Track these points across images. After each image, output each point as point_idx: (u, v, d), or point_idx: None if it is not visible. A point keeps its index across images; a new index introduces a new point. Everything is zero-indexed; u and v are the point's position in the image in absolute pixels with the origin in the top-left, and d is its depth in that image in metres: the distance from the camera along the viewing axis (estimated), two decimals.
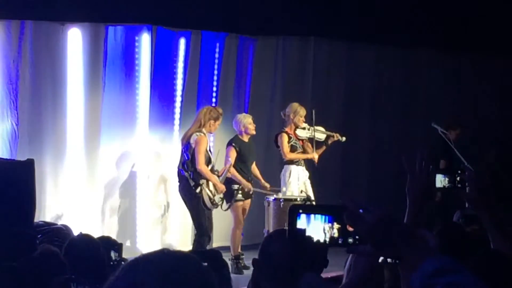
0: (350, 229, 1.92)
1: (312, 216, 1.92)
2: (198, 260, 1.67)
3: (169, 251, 1.68)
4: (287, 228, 1.98)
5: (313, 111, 9.99)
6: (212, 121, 9.26)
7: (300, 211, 1.93)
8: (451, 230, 4.79)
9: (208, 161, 9.24)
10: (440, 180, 2.96)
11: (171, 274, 1.59)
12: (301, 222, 1.93)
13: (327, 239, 1.92)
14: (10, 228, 6.10)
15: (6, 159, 8.48)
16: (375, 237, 1.86)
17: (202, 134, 9.14)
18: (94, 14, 10.07)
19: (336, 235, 1.92)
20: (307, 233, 1.92)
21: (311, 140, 10.09)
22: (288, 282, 3.69)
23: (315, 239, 1.92)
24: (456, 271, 1.75)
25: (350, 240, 1.93)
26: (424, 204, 2.84)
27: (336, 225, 1.92)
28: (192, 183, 9.13)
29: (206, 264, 1.73)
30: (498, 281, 2.62)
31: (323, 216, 1.92)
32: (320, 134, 10.14)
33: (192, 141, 9.12)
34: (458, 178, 2.95)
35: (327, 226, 1.92)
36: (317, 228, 1.92)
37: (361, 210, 1.86)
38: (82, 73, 10.13)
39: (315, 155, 10.00)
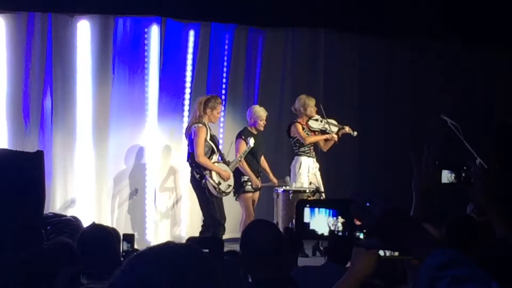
0: (358, 222, 1.92)
1: (316, 209, 1.93)
2: (203, 252, 1.67)
3: (174, 243, 1.68)
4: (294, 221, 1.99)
5: (321, 106, 10.00)
6: (209, 111, 9.19)
7: (307, 205, 1.94)
8: (463, 222, 4.80)
9: (212, 151, 9.21)
10: (447, 176, 2.98)
11: (177, 267, 1.59)
12: (305, 215, 1.93)
13: (331, 233, 1.92)
14: (18, 219, 6.12)
15: (16, 151, 8.50)
16: (382, 230, 1.86)
17: (200, 125, 9.11)
18: (103, 6, 10.08)
19: (340, 228, 1.93)
20: (311, 227, 1.93)
21: (323, 132, 10.09)
22: (273, 269, 3.72)
23: (319, 233, 1.93)
24: (463, 264, 1.75)
25: (357, 233, 1.93)
26: (430, 199, 2.85)
27: (340, 219, 1.92)
28: (197, 176, 9.15)
29: (207, 250, 1.73)
30: (504, 269, 2.63)
31: (328, 210, 1.93)
32: (333, 126, 10.13)
33: (192, 133, 9.13)
34: (463, 174, 2.97)
35: (331, 219, 1.93)
36: (321, 222, 1.93)
37: (367, 204, 1.86)
38: (91, 65, 10.15)
39: (334, 135, 9.99)
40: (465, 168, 2.98)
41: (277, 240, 3.78)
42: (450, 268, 1.74)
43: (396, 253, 2.41)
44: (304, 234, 1.95)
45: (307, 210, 1.93)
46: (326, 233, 1.93)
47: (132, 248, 5.59)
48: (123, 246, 5.55)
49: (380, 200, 1.86)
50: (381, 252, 2.50)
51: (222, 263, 4.86)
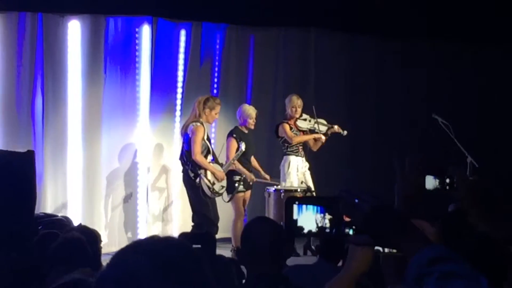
0: (347, 219, 1.92)
1: (303, 206, 1.93)
2: (189, 245, 1.68)
3: (160, 237, 1.69)
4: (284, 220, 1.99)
5: (313, 107, 10.01)
6: (207, 110, 9.22)
7: (296, 202, 1.95)
8: (454, 219, 4.81)
9: (207, 151, 9.23)
10: (431, 182, 2.97)
11: (163, 259, 1.60)
12: (294, 212, 1.94)
13: (319, 230, 1.93)
14: (9, 219, 6.10)
15: (6, 150, 8.47)
16: (371, 226, 1.86)
17: (198, 124, 9.13)
18: (94, 6, 10.07)
19: (328, 225, 1.93)
20: (299, 224, 1.94)
21: (312, 131, 10.10)
22: (269, 265, 3.75)
23: (306, 230, 1.94)
24: (451, 260, 1.76)
25: (346, 230, 1.93)
26: (413, 206, 2.85)
27: (327, 216, 1.93)
28: (191, 174, 9.15)
29: (199, 246, 1.73)
30: (484, 263, 2.65)
31: (315, 207, 1.94)
32: (322, 126, 10.15)
33: (189, 131, 9.13)
34: (447, 180, 2.97)
35: (319, 216, 1.93)
36: (309, 219, 1.94)
37: (356, 200, 1.87)
38: (82, 65, 10.13)
39: (322, 135, 10.01)
40: (448, 172, 2.98)
41: (275, 237, 3.81)
42: (439, 264, 1.74)
43: (395, 250, 2.41)
44: (292, 230, 1.95)
45: (295, 207, 1.94)
46: (313, 230, 1.93)
47: None
48: None
49: (369, 196, 1.87)
50: (380, 249, 2.51)
51: (213, 259, 4.88)
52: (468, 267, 1.75)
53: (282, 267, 4.01)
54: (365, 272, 2.62)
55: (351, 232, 1.95)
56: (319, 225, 1.93)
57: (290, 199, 1.96)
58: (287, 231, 1.97)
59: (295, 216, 1.94)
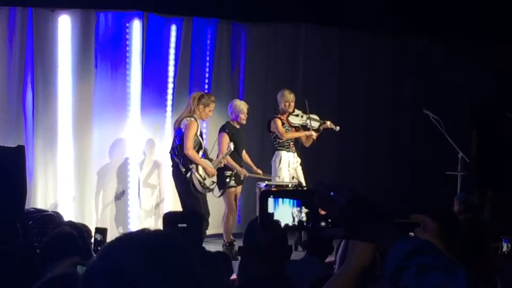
0: (323, 212, 1.91)
1: (280, 200, 1.92)
2: (179, 238, 1.68)
3: (149, 230, 1.69)
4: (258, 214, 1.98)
5: (306, 101, 10.00)
6: (201, 107, 9.22)
7: (271, 196, 1.93)
8: (442, 217, 4.82)
9: (199, 147, 9.24)
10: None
11: (153, 252, 1.60)
12: (269, 206, 1.92)
13: (296, 223, 1.92)
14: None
15: None
16: (347, 219, 1.85)
17: (192, 119, 9.14)
18: (85, 1, 10.05)
19: (304, 219, 1.92)
20: (275, 217, 1.92)
21: (304, 127, 10.09)
22: (270, 264, 3.75)
23: (283, 224, 1.92)
24: (429, 252, 1.74)
25: (323, 223, 1.92)
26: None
27: (304, 209, 1.91)
28: (182, 169, 9.15)
29: (185, 225, 1.73)
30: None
31: (291, 200, 1.92)
32: (314, 122, 10.14)
33: (182, 126, 9.13)
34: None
35: (295, 210, 1.92)
36: (285, 213, 1.92)
37: (332, 193, 1.85)
38: (72, 60, 10.09)
39: (313, 133, 10.00)
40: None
41: (277, 236, 3.80)
42: (417, 257, 1.72)
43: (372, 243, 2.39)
44: (268, 224, 1.94)
45: (271, 201, 1.92)
46: (290, 224, 1.92)
47: (104, 240, 5.68)
48: (96, 237, 5.66)
49: (345, 189, 1.86)
50: None
51: (201, 238, 4.88)
52: (446, 259, 1.74)
53: (283, 266, 4.02)
54: (366, 266, 2.61)
55: (327, 225, 1.93)
56: (296, 219, 1.92)
57: (265, 192, 1.94)
58: (261, 225, 1.95)
59: (271, 210, 1.92)
